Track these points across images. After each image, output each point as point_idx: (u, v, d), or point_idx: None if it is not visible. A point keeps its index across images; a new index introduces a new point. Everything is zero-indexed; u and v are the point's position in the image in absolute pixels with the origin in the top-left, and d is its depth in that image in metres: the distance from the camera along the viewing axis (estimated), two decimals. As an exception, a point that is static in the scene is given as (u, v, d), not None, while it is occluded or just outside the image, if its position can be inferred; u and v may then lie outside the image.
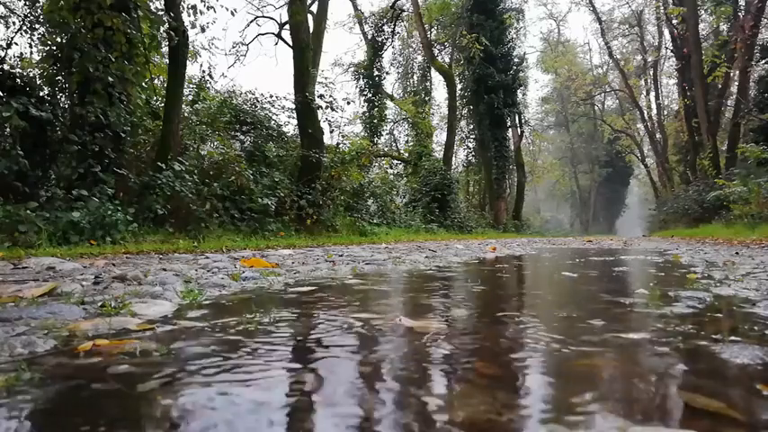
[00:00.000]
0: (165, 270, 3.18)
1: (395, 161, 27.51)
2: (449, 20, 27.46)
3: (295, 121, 13.52)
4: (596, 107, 48.49)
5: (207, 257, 4.85)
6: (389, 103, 29.06)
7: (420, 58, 30.01)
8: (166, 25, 8.79)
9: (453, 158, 28.27)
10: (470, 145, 30.97)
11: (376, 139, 26.59)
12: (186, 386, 0.94)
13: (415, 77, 30.86)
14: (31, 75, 8.15)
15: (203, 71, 14.24)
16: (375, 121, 27.09)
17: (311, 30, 14.65)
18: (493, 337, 1.42)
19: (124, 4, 7.87)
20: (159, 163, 8.46)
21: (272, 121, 14.22)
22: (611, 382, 0.98)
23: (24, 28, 8.45)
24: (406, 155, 27.20)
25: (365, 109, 27.37)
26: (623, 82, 35.28)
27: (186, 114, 11.62)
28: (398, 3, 27.18)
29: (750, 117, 19.63)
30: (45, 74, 8.02)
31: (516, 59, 28.64)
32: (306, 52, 12.83)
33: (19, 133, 6.93)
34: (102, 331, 1.40)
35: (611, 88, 42.16)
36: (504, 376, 1.02)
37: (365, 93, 27.32)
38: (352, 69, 28.14)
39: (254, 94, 14.49)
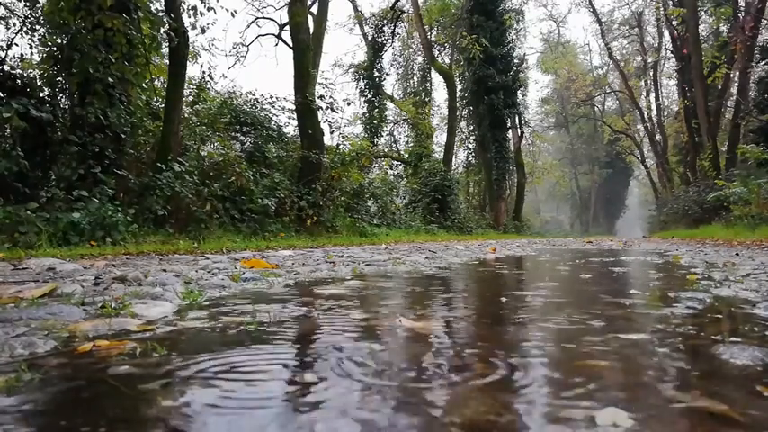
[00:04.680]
0: (165, 271, 3.18)
1: (395, 162, 27.53)
2: (449, 21, 27.48)
3: (295, 122, 13.54)
4: (596, 108, 48.50)
5: (207, 258, 4.85)
6: (389, 104, 29.09)
7: (420, 59, 30.06)
8: (167, 26, 8.80)
9: (453, 159, 28.30)
10: (470, 146, 31.00)
11: (376, 139, 26.61)
12: (186, 387, 0.94)
13: (415, 78, 30.89)
14: (32, 76, 8.16)
15: (203, 72, 14.25)
16: (375, 121, 27.12)
17: (311, 31, 14.67)
18: (493, 337, 1.42)
19: (124, 6, 7.88)
20: (159, 164, 8.47)
21: (273, 122, 14.22)
22: (610, 383, 0.98)
23: (25, 29, 8.45)
24: (406, 156, 27.22)
25: (365, 110, 27.41)
26: (623, 83, 35.29)
27: (186, 115, 11.62)
28: (398, 4, 27.21)
29: (750, 118, 19.64)
30: (45, 75, 8.02)
31: (516, 60, 28.66)
32: (306, 53, 12.85)
33: (19, 134, 6.94)
34: (102, 332, 1.40)
35: (611, 89, 42.19)
36: (503, 377, 1.02)
37: (365, 94, 27.36)
38: (353, 70, 28.21)
39: (254, 95, 14.51)
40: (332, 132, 15.56)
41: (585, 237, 29.11)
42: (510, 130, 29.26)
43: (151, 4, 9.19)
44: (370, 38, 28.22)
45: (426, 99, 29.40)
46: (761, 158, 13.73)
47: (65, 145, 7.36)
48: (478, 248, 8.20)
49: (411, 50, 31.12)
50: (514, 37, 28.69)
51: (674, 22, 25.49)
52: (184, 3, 9.54)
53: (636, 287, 2.64)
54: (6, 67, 7.71)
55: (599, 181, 55.52)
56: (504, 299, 2.16)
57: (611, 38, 35.92)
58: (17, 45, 8.44)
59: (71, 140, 7.32)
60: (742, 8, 21.91)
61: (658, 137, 34.94)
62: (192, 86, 13.42)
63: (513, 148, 29.50)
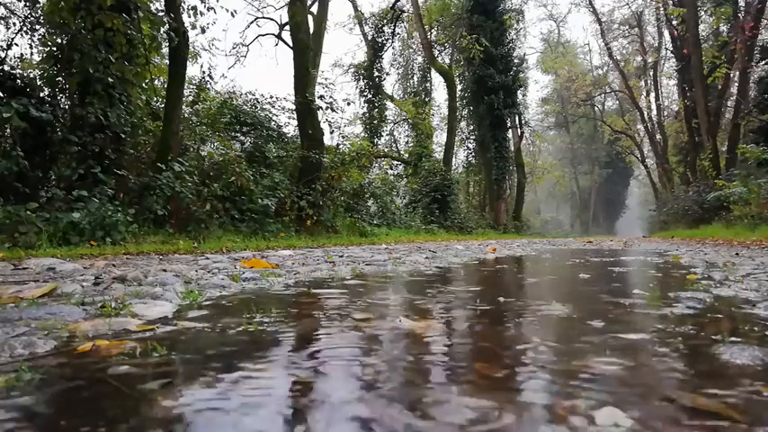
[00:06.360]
0: (165, 271, 3.18)
1: (395, 162, 27.53)
2: (449, 21, 27.49)
3: (295, 122, 13.54)
4: (596, 108, 48.50)
5: (207, 258, 4.85)
6: (389, 104, 29.09)
7: (420, 59, 30.07)
8: (167, 26, 8.80)
9: (453, 159, 28.30)
10: (470, 146, 31.01)
11: (376, 139, 26.63)
12: (186, 387, 0.94)
13: (415, 78, 30.90)
14: (32, 76, 8.16)
15: (203, 72, 14.26)
16: (375, 121, 27.13)
17: (311, 31, 14.67)
18: (493, 337, 1.42)
19: (124, 5, 7.88)
20: (159, 164, 8.47)
21: (273, 122, 14.22)
22: (611, 383, 0.98)
23: (25, 29, 8.46)
24: (406, 156, 27.22)
25: (365, 110, 27.41)
26: (623, 83, 35.27)
27: (186, 115, 11.62)
28: (398, 4, 27.21)
29: (750, 118, 19.64)
30: (45, 75, 8.02)
31: (516, 60, 28.66)
32: (306, 53, 12.84)
33: (19, 134, 6.94)
34: (102, 332, 1.40)
35: (611, 89, 42.16)
36: (503, 377, 1.02)
37: (365, 93, 27.36)
38: (353, 70, 28.20)
39: (254, 95, 14.51)
40: (332, 132, 15.59)
41: (585, 237, 29.11)
42: (510, 130, 29.26)
43: (151, 4, 9.19)
44: (370, 38, 28.22)
45: (426, 99, 29.39)
46: (761, 158, 13.72)
47: (65, 145, 7.36)
48: (478, 248, 8.20)
49: (411, 50, 31.14)
50: (514, 37, 28.69)
51: (674, 22, 25.48)
52: (184, 3, 9.54)
53: (636, 287, 2.64)
54: (6, 67, 7.71)
55: (599, 181, 55.53)
56: (503, 299, 2.16)
57: (611, 38, 35.89)
58: (17, 45, 8.45)
59: (71, 140, 7.32)
60: (742, 8, 21.90)
61: (658, 137, 34.93)
62: (192, 86, 13.42)
63: (513, 148, 29.49)
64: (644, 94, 37.22)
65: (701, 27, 23.71)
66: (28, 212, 5.85)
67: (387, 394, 0.91)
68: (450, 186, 21.97)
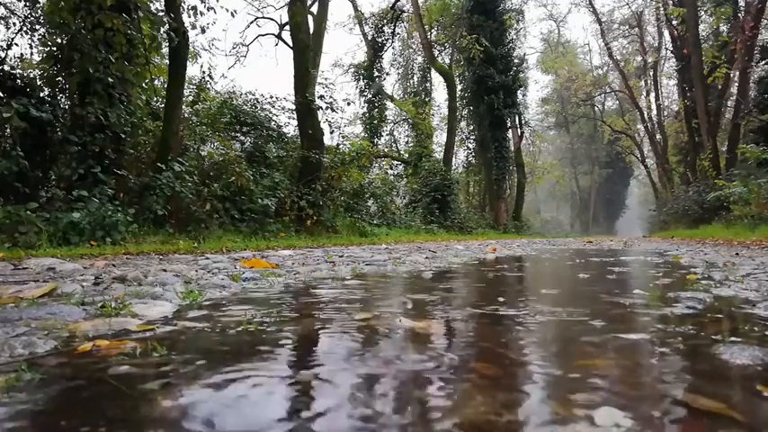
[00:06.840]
0: (165, 271, 3.18)
1: (395, 162, 27.52)
2: (449, 21, 27.48)
3: (295, 122, 13.54)
4: (596, 108, 48.49)
5: (207, 258, 4.85)
6: (389, 104, 29.09)
7: (420, 59, 30.06)
8: (167, 26, 8.80)
9: (453, 159, 28.30)
10: (470, 146, 31.01)
11: (376, 139, 26.63)
12: (186, 387, 0.94)
13: (415, 78, 30.89)
14: (32, 75, 8.16)
15: (203, 72, 14.26)
16: (375, 121, 27.13)
17: (311, 31, 14.66)
18: (493, 338, 1.42)
19: (124, 5, 7.88)
20: (159, 164, 8.47)
21: (273, 122, 14.23)
22: (611, 383, 0.98)
23: (25, 29, 8.46)
24: (406, 156, 27.22)
25: (365, 110, 27.41)
26: (623, 83, 35.26)
27: (186, 115, 11.62)
28: (398, 4, 27.22)
29: (750, 118, 19.63)
30: (45, 75, 8.02)
31: (516, 60, 28.66)
32: (306, 53, 12.84)
33: (19, 134, 6.94)
34: (102, 332, 1.40)
35: (611, 89, 42.15)
36: (503, 377, 1.02)
37: (365, 93, 27.35)
38: (353, 70, 28.20)
39: (254, 95, 14.51)
40: (332, 132, 15.57)
41: (585, 236, 29.12)
42: (510, 130, 29.26)
43: (151, 4, 9.19)
44: (370, 38, 28.22)
45: (426, 99, 29.39)
46: (761, 158, 13.70)
47: (65, 145, 7.36)
48: (478, 248, 8.20)
49: (411, 50, 31.12)
50: (514, 37, 28.69)
51: (674, 22, 25.48)
52: (184, 3, 9.54)
53: (636, 287, 2.64)
54: (6, 67, 7.71)
55: (599, 181, 55.54)
56: (503, 298, 2.16)
57: (611, 38, 35.85)
58: (17, 45, 8.45)
59: (71, 140, 7.32)
60: (742, 8, 21.89)
61: (658, 137, 34.92)
62: (192, 86, 13.42)
63: (513, 148, 29.49)
64: (644, 94, 37.20)
65: (701, 27, 23.69)
66: (28, 212, 5.85)
67: (387, 394, 0.91)
68: (450, 186, 21.97)
